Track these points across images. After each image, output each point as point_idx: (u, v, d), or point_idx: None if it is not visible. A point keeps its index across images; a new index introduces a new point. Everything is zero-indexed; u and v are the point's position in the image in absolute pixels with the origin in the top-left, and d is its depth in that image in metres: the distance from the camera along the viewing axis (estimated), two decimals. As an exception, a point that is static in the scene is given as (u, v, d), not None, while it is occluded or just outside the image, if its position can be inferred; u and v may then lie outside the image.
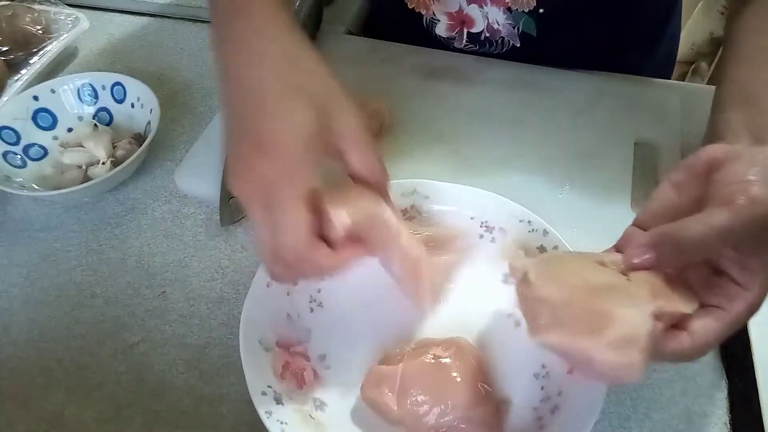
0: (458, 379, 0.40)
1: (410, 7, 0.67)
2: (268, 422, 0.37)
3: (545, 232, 0.45)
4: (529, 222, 0.46)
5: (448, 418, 0.39)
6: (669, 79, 0.73)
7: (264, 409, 0.38)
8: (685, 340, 0.34)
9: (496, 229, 0.48)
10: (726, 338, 0.34)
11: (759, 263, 0.33)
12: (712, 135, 0.38)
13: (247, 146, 0.37)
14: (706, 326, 0.34)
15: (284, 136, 0.36)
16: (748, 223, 0.31)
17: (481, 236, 0.48)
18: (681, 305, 0.34)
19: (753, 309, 0.34)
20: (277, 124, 0.37)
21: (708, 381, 0.44)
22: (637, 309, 0.32)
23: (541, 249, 0.45)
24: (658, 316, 0.32)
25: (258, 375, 0.40)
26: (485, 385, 0.40)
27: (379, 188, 0.41)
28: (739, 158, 0.33)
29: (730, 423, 0.42)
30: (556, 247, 0.45)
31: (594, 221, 0.51)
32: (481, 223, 0.48)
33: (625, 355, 0.31)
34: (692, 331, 0.34)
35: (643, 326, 0.32)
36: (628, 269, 0.35)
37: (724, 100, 0.40)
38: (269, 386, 0.40)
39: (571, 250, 0.44)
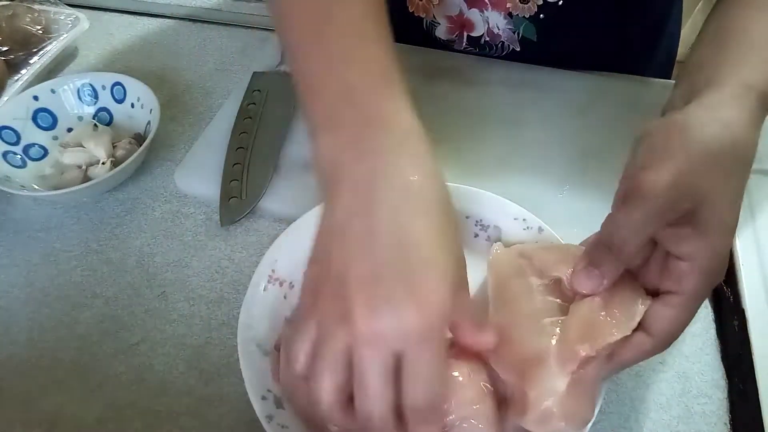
0: (460, 378, 0.40)
1: (410, 10, 0.67)
2: (268, 427, 0.37)
3: (540, 230, 0.46)
4: (524, 220, 0.46)
5: (451, 417, 0.39)
6: (669, 79, 0.72)
7: (265, 413, 0.38)
8: (644, 340, 0.34)
9: (491, 228, 0.48)
10: (689, 321, 0.34)
11: (694, 231, 0.32)
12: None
13: (375, 263, 0.30)
14: (662, 317, 0.34)
15: (438, 289, 0.30)
16: (654, 208, 0.32)
17: (476, 235, 0.48)
18: (614, 334, 0.35)
19: (710, 277, 0.33)
20: (433, 274, 0.30)
21: (708, 381, 0.44)
22: (549, 382, 0.35)
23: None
24: (583, 363, 0.34)
25: (257, 379, 0.40)
26: (487, 384, 0.40)
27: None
28: (646, 136, 0.35)
29: (730, 423, 0.42)
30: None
31: (594, 221, 0.50)
32: (476, 221, 0.48)
33: (550, 426, 0.35)
34: (648, 326, 0.34)
35: (556, 396, 0.35)
36: (579, 297, 0.36)
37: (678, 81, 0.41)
38: (269, 390, 0.40)
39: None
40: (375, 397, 0.30)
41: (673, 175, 0.32)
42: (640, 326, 0.35)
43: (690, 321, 0.34)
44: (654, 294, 0.36)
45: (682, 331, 0.35)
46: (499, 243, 0.47)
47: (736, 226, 0.34)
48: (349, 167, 0.33)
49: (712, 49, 0.40)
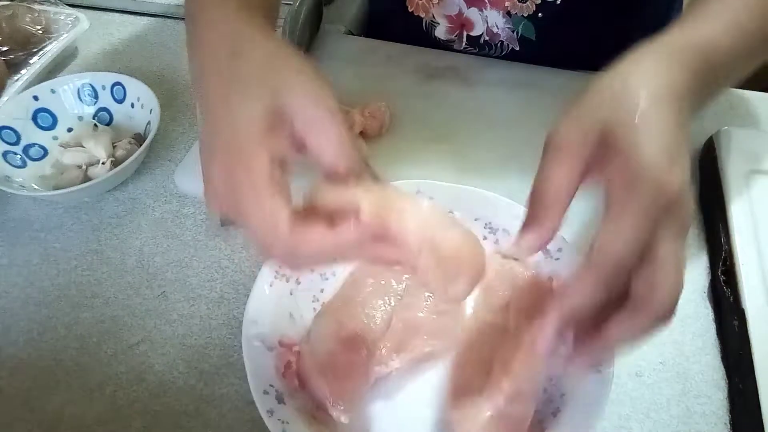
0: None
1: (410, 10, 0.67)
2: (269, 421, 0.37)
3: None
4: None
5: None
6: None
7: (266, 408, 0.38)
8: (582, 269, 0.32)
9: (500, 231, 0.48)
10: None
11: (611, 154, 0.32)
12: None
13: (207, 157, 0.35)
14: (603, 231, 0.32)
15: (232, 136, 0.33)
16: (566, 147, 0.33)
17: (485, 238, 0.48)
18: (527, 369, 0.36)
19: (642, 183, 0.31)
20: (224, 127, 0.34)
21: (708, 381, 0.44)
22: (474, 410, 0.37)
23: (545, 251, 0.45)
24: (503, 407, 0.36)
25: (260, 374, 0.40)
26: None
27: (350, 177, 0.34)
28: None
29: (730, 423, 0.42)
30: (560, 250, 0.45)
31: (594, 221, 0.51)
32: (485, 224, 0.48)
33: None
34: (590, 252, 0.32)
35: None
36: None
37: None
38: (271, 385, 0.40)
39: (574, 251, 0.44)
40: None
41: (579, 120, 0.33)
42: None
43: (639, 238, 0.31)
44: None
45: (629, 250, 0.31)
46: (497, 255, 0.47)
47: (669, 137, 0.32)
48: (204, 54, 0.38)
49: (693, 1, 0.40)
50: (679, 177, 0.31)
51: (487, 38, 0.65)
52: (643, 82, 0.33)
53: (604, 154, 0.33)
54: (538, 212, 0.34)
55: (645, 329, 0.32)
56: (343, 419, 0.39)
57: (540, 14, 0.60)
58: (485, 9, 0.62)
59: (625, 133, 0.32)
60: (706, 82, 0.35)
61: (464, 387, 0.40)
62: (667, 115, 0.32)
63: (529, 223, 0.35)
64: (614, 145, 0.32)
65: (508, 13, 0.61)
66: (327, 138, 0.34)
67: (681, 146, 0.32)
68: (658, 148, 0.31)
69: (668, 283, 0.31)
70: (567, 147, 0.33)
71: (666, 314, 0.32)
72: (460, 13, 0.64)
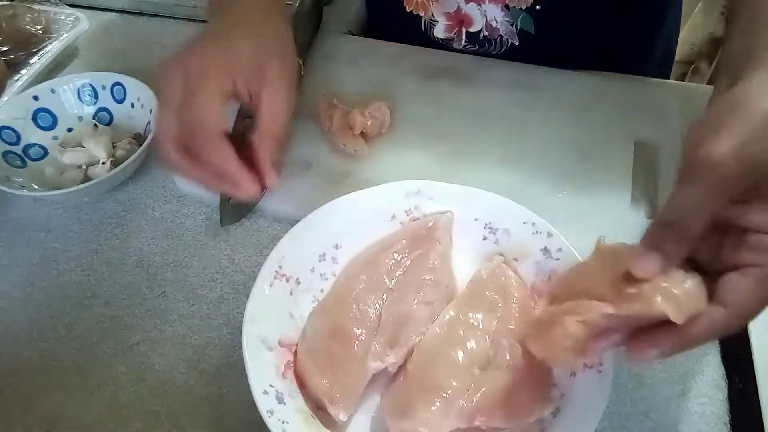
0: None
1: (408, 9, 0.67)
2: (269, 421, 0.37)
3: (549, 234, 0.45)
4: (533, 224, 0.46)
5: None
6: (667, 78, 0.73)
7: (266, 408, 0.38)
8: (715, 311, 0.31)
9: (500, 231, 0.48)
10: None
11: (765, 201, 0.31)
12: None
13: (203, 42, 0.46)
14: (738, 288, 0.31)
15: (230, 51, 0.45)
16: (716, 179, 0.31)
17: (485, 238, 0.48)
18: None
19: None
20: (232, 43, 0.46)
21: (708, 381, 0.44)
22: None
23: (545, 251, 0.45)
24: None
25: (260, 374, 0.40)
26: None
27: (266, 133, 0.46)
28: (698, 120, 0.33)
29: (730, 423, 0.42)
30: (560, 250, 0.45)
31: (594, 221, 0.51)
32: (485, 224, 0.48)
33: None
34: (722, 298, 0.31)
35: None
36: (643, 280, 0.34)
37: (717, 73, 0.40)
38: (271, 385, 0.40)
39: (575, 251, 0.44)
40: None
41: (731, 145, 0.30)
42: (713, 300, 0.32)
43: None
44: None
45: (759, 308, 0.31)
46: (500, 257, 0.47)
47: None
48: (216, 18, 0.50)
49: (745, 36, 0.39)
50: None
51: (486, 34, 0.65)
52: None
53: (750, 196, 0.31)
54: (668, 237, 0.32)
55: (721, 330, 0.32)
56: (342, 416, 0.40)
57: (538, 6, 0.60)
58: (484, 3, 0.62)
59: None
60: None
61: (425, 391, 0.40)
62: None
63: (654, 243, 0.33)
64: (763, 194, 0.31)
65: (507, 6, 0.61)
66: (271, 107, 0.46)
67: None
68: None
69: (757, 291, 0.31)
70: (725, 179, 0.31)
71: (745, 319, 0.32)
72: (458, 10, 0.64)
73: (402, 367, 0.42)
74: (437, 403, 0.39)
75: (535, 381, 0.40)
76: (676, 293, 0.31)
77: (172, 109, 0.44)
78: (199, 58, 0.45)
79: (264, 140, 0.45)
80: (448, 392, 0.39)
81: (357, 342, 0.42)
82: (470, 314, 0.43)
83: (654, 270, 0.32)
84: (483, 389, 0.40)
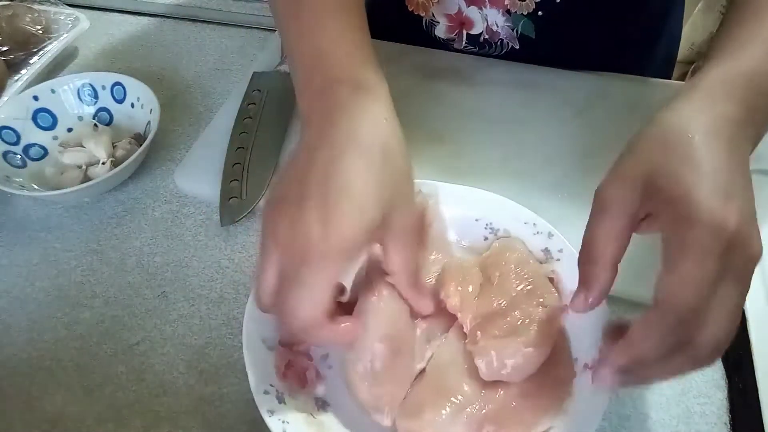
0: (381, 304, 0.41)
1: (410, 9, 0.67)
2: (269, 421, 0.37)
3: (550, 235, 0.45)
4: (534, 224, 0.46)
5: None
6: (669, 79, 0.73)
7: (266, 407, 0.38)
8: (652, 313, 0.31)
9: (501, 232, 0.48)
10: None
11: (668, 208, 0.32)
12: None
13: (310, 190, 0.35)
14: (666, 282, 0.31)
15: (351, 220, 0.34)
16: (616, 211, 0.34)
17: (486, 238, 0.48)
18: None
19: (709, 229, 0.30)
20: (348, 206, 0.34)
21: (708, 381, 0.44)
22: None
23: (546, 252, 0.45)
24: None
25: (260, 374, 0.40)
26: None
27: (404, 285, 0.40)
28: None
29: (730, 423, 0.42)
30: (560, 250, 0.45)
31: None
32: (486, 225, 0.48)
33: None
34: (655, 299, 0.31)
35: None
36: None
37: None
38: (271, 385, 0.40)
39: (576, 252, 0.44)
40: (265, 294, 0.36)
41: (622, 176, 0.34)
42: (651, 308, 0.32)
43: (705, 283, 0.30)
44: None
45: (695, 297, 0.30)
46: (500, 240, 0.47)
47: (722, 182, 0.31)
48: (315, 115, 0.39)
49: (725, 27, 0.40)
50: (736, 213, 0.30)
51: (486, 37, 0.65)
52: (687, 124, 0.33)
53: (655, 204, 0.33)
54: (588, 272, 0.35)
55: (683, 369, 0.33)
56: (387, 422, 0.39)
57: (540, 12, 0.60)
58: (485, 7, 0.62)
59: (673, 180, 0.32)
60: (757, 109, 0.35)
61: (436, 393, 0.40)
62: (716, 151, 0.32)
63: (580, 282, 0.35)
64: (664, 193, 0.32)
65: (508, 12, 0.61)
66: (402, 257, 0.38)
67: (736, 181, 0.31)
68: (709, 186, 0.31)
69: (717, 328, 0.30)
70: (612, 205, 0.34)
71: (708, 359, 0.31)
72: (459, 12, 0.64)
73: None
74: (447, 408, 0.39)
75: (550, 392, 0.40)
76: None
77: (272, 273, 0.36)
78: (298, 213, 0.35)
79: (404, 290, 0.40)
80: (459, 398, 0.39)
81: (408, 349, 0.41)
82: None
83: (586, 308, 0.35)
84: (495, 397, 0.39)
